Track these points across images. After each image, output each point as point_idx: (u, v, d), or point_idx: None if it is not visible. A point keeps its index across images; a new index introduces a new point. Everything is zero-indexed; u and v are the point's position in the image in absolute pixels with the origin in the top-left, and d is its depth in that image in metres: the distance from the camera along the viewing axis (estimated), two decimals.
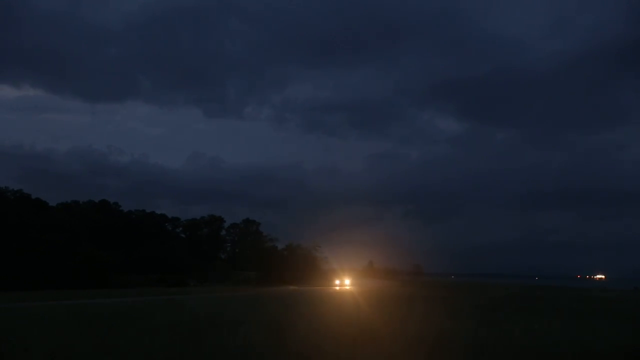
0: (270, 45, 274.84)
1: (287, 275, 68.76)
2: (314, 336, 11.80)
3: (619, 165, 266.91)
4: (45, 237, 50.66)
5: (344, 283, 64.74)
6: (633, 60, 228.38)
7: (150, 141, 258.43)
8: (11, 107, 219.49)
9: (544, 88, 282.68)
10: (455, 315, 17.74)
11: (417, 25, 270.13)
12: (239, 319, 15.58)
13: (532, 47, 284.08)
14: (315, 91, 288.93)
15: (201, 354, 9.63)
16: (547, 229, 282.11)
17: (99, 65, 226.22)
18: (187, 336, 11.57)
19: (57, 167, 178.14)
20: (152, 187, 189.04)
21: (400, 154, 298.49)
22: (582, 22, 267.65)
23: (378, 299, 30.18)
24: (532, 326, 15.15)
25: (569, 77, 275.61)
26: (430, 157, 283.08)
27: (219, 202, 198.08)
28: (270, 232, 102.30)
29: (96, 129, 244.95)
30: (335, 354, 9.76)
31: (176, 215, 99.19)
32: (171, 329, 12.74)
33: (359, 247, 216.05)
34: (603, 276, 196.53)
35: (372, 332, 12.88)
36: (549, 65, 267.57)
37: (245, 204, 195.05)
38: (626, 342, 11.86)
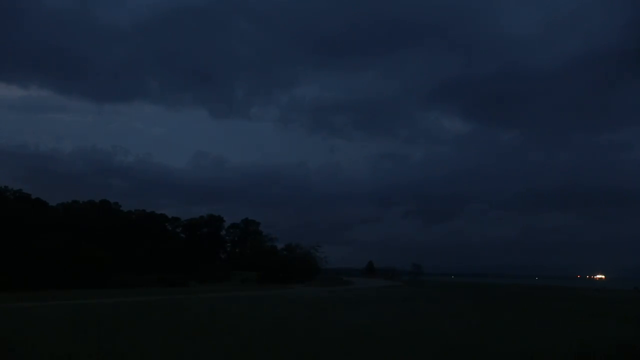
0: (277, 46, 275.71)
1: (286, 275, 68.79)
2: None
3: (620, 166, 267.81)
4: (45, 237, 50.62)
5: None
6: (638, 62, 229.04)
7: (156, 141, 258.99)
8: (17, 107, 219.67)
9: (549, 88, 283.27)
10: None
11: (423, 27, 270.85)
12: None
13: (537, 48, 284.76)
14: (321, 92, 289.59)
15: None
16: (548, 229, 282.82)
17: (106, 66, 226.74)
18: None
19: (62, 167, 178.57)
20: (156, 186, 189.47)
21: (404, 154, 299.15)
22: (589, 23, 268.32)
23: None
24: (531, 326, 15.16)
25: (574, 77, 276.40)
26: (434, 157, 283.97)
27: (222, 201, 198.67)
28: (271, 232, 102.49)
29: (102, 129, 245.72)
30: None
31: (179, 215, 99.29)
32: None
33: (361, 246, 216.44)
34: (603, 276, 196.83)
35: None
36: (554, 65, 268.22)
37: (248, 204, 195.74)
38: (626, 342, 11.85)
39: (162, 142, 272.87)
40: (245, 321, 15.28)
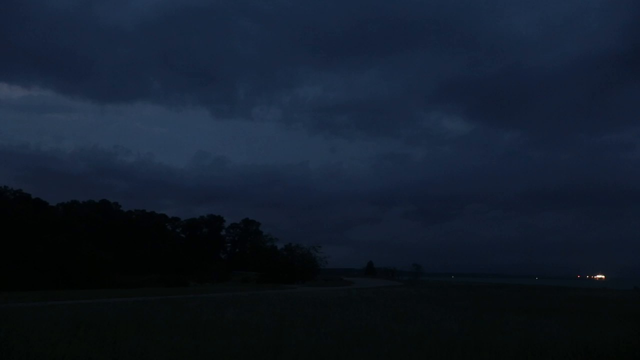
0: (279, 46, 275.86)
1: (286, 275, 68.82)
2: None
3: (621, 166, 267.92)
4: (45, 237, 50.65)
5: None
6: (638, 62, 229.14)
7: (157, 141, 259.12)
8: (19, 107, 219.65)
9: (550, 89, 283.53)
10: None
11: (425, 27, 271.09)
12: None
13: (539, 49, 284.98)
14: (323, 92, 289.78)
15: None
16: (548, 229, 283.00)
17: (108, 66, 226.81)
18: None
19: (63, 167, 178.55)
20: (157, 187, 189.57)
21: (406, 154, 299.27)
22: (589, 24, 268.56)
23: None
24: (531, 326, 15.16)
25: (575, 78, 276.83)
26: (435, 158, 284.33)
27: (223, 201, 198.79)
28: (271, 232, 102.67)
29: (103, 129, 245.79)
30: None
31: (180, 215, 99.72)
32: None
33: (361, 246, 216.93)
34: (603, 276, 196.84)
35: None
36: (555, 66, 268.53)
37: (248, 204, 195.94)
38: (626, 342, 11.85)
39: (164, 142, 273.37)
40: (245, 321, 15.27)
